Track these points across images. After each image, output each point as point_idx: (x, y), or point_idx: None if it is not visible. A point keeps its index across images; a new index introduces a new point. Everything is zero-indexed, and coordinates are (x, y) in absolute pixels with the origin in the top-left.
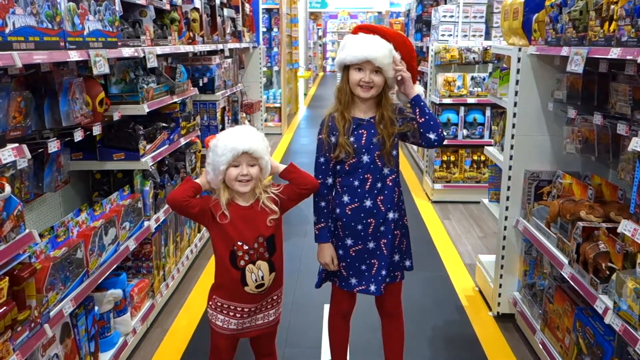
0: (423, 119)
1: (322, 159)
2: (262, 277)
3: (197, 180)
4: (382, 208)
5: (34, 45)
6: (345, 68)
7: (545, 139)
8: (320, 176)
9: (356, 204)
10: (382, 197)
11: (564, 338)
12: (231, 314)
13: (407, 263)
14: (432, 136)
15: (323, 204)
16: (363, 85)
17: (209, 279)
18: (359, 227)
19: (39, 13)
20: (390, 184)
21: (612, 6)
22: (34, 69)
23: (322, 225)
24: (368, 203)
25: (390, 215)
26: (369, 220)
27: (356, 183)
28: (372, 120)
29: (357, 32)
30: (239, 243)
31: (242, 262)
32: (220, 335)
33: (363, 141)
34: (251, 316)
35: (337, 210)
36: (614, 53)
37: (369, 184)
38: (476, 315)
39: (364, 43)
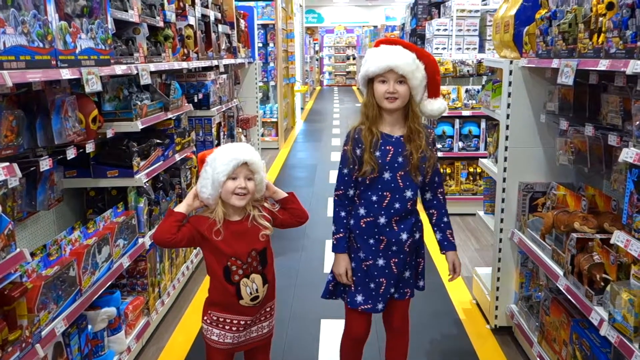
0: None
1: (345, 170)
2: (257, 289)
3: (180, 209)
4: (396, 228)
5: (25, 65)
6: (370, 82)
7: (539, 150)
8: (342, 187)
9: (371, 219)
10: (397, 218)
11: (561, 350)
12: (227, 327)
13: (421, 283)
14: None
15: (343, 214)
16: (388, 96)
17: (205, 295)
18: (371, 241)
19: (30, 32)
20: (410, 207)
21: (600, 18)
22: (25, 87)
23: (341, 235)
24: (382, 220)
25: (404, 236)
26: (380, 237)
27: (374, 198)
28: (401, 138)
29: (379, 45)
30: (233, 258)
31: (236, 277)
32: (215, 350)
33: (388, 157)
34: (246, 329)
35: (352, 222)
36: (603, 65)
37: (386, 201)
38: (473, 329)
39: (385, 53)
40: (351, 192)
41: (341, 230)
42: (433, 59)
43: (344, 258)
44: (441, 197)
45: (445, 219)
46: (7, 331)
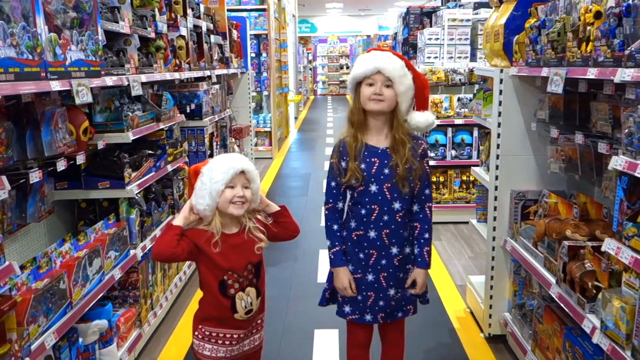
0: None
1: (333, 183)
2: (251, 302)
3: (177, 222)
4: (386, 241)
5: (14, 77)
6: (357, 87)
7: (530, 158)
8: (330, 200)
9: (361, 232)
10: (387, 231)
11: (555, 358)
12: (220, 341)
13: (427, 296)
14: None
15: (336, 227)
16: (374, 98)
17: (197, 308)
18: (361, 255)
19: (19, 44)
20: (399, 219)
21: (589, 27)
22: (15, 99)
23: (337, 248)
24: (372, 234)
25: (394, 250)
26: (371, 251)
27: (363, 212)
28: (387, 150)
29: (369, 52)
30: (230, 272)
31: (232, 291)
32: None
33: (374, 170)
34: (239, 343)
35: (344, 234)
36: (592, 73)
37: (375, 215)
38: (468, 337)
39: (374, 56)
40: (340, 204)
41: (336, 243)
42: (423, 76)
43: (344, 271)
44: (428, 212)
45: (427, 235)
46: None
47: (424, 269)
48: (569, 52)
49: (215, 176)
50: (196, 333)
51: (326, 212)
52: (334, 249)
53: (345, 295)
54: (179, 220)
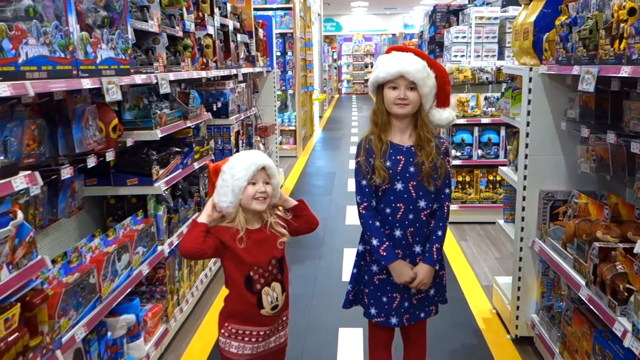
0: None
1: (363, 182)
2: (277, 297)
3: (202, 220)
4: (410, 240)
5: (47, 75)
6: (380, 88)
7: (560, 158)
8: (365, 199)
9: (386, 231)
10: (412, 229)
11: None
12: (246, 339)
13: (446, 296)
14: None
15: (378, 223)
16: (399, 102)
17: (222, 304)
18: None
19: (52, 43)
20: (424, 218)
21: (622, 24)
22: (47, 97)
23: (386, 244)
24: (397, 233)
25: (417, 249)
26: (396, 251)
27: (388, 210)
28: (411, 148)
29: (390, 51)
30: (255, 267)
31: (258, 286)
32: None
33: (399, 167)
34: (265, 340)
35: (368, 233)
36: (625, 71)
37: (400, 213)
38: (494, 339)
39: (396, 59)
40: (374, 202)
41: (384, 239)
42: (443, 68)
43: (401, 264)
44: (445, 211)
45: (439, 233)
46: (29, 337)
47: (428, 265)
48: (602, 49)
49: (237, 173)
50: (222, 331)
51: (363, 212)
52: (384, 246)
53: (416, 287)
54: (203, 217)
